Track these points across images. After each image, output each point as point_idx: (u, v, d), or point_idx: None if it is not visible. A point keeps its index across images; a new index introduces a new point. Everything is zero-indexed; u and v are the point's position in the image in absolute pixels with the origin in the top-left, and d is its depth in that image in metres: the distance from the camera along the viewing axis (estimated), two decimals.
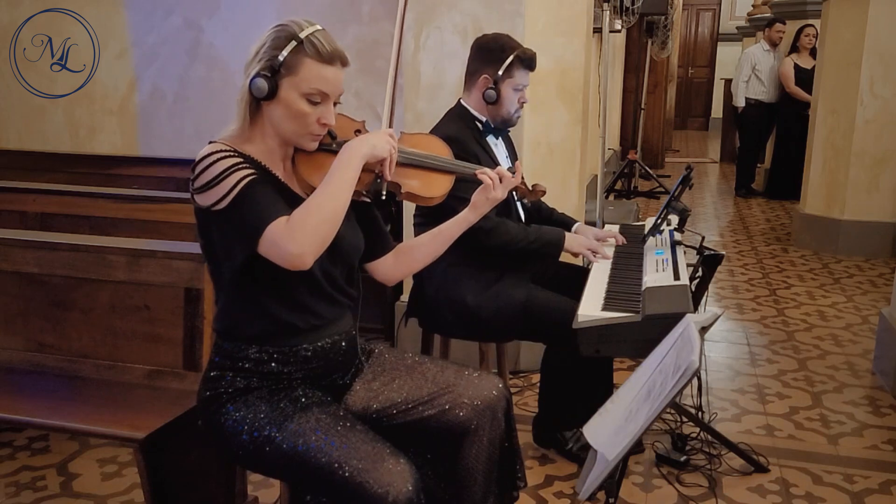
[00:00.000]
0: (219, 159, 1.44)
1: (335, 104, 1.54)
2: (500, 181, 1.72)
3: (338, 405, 1.58)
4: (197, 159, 1.45)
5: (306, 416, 1.50)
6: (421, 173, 1.68)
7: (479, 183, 1.73)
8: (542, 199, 2.62)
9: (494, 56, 2.31)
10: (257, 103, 1.50)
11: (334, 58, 1.48)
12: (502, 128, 2.41)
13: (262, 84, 1.45)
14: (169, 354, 2.08)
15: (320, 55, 1.47)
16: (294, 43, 1.46)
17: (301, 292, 1.53)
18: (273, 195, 1.46)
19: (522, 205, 2.53)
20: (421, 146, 1.72)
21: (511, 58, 2.29)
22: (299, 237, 1.39)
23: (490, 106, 2.34)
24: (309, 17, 1.52)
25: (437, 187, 1.68)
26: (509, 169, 1.76)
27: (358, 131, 1.64)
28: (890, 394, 3.11)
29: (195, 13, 4.32)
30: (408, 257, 1.76)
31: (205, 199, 1.44)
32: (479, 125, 2.38)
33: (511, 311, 2.32)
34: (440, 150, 1.75)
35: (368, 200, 1.67)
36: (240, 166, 1.44)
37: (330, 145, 1.57)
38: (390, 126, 1.65)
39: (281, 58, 1.46)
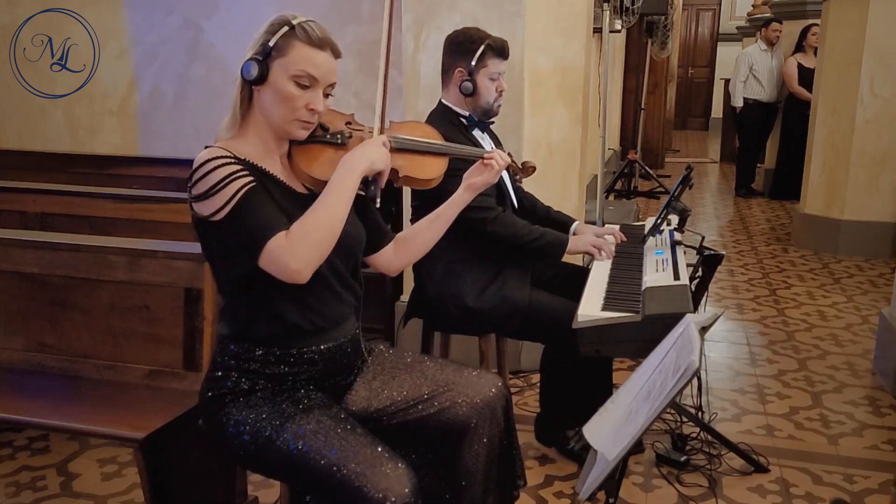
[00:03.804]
0: (217, 166, 1.43)
1: (327, 95, 1.54)
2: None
3: (339, 407, 1.58)
4: (194, 165, 1.44)
5: (307, 417, 1.50)
6: (416, 157, 1.70)
7: (471, 163, 1.77)
8: (539, 199, 2.64)
9: (465, 48, 2.33)
10: (250, 90, 1.51)
11: (325, 44, 1.50)
12: (485, 119, 2.42)
13: (253, 67, 1.47)
14: (169, 354, 2.08)
15: (311, 39, 1.49)
16: (286, 28, 1.48)
17: (309, 292, 1.53)
18: (272, 206, 1.46)
19: (516, 193, 2.53)
20: (412, 132, 1.75)
21: (482, 47, 2.31)
22: (300, 252, 1.41)
23: (468, 98, 2.36)
24: (308, 16, 1.53)
25: (433, 169, 1.71)
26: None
27: (349, 123, 1.66)
28: (890, 394, 3.11)
29: (195, 13, 4.32)
30: (408, 245, 1.76)
31: (203, 208, 1.44)
32: (464, 120, 2.40)
33: (513, 309, 2.33)
34: (431, 135, 1.78)
35: (363, 193, 1.68)
36: (239, 174, 1.44)
37: (324, 136, 1.59)
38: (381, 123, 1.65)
39: (272, 42, 1.47)
